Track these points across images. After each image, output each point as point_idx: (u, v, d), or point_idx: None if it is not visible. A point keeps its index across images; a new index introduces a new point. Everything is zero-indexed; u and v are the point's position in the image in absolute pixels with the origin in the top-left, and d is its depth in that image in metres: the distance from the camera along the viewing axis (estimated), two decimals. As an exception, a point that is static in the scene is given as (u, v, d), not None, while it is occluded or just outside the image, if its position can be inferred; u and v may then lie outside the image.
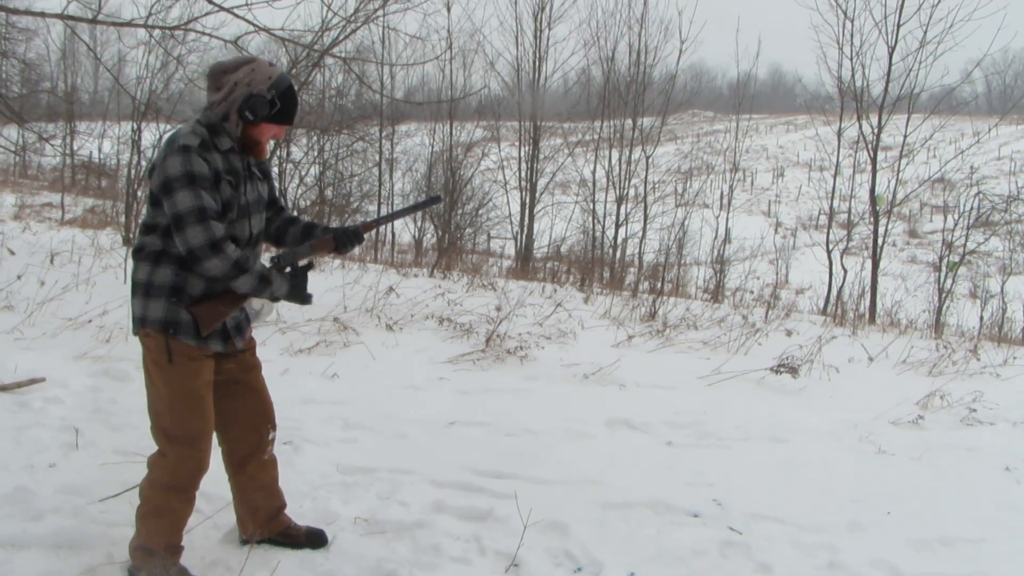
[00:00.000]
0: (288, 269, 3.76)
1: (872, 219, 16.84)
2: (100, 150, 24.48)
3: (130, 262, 9.20)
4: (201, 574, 3.72)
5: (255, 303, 3.86)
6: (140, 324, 3.60)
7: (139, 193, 12.81)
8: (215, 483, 4.24)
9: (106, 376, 6.50)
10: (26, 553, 3.77)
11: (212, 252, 3.41)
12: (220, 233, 3.44)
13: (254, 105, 3.55)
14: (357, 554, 4.02)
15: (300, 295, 3.75)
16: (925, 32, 16.02)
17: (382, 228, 19.87)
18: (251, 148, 3.69)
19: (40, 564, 3.69)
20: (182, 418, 3.62)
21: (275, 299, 3.71)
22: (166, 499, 3.66)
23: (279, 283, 3.64)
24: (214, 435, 3.78)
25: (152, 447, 3.72)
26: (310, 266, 3.81)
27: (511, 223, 20.85)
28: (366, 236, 4.09)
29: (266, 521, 4.04)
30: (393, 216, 4.27)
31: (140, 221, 3.75)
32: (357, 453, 5.38)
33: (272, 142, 3.92)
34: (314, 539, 4.10)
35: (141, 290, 3.58)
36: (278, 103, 3.60)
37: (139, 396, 5.92)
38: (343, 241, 3.87)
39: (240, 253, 3.51)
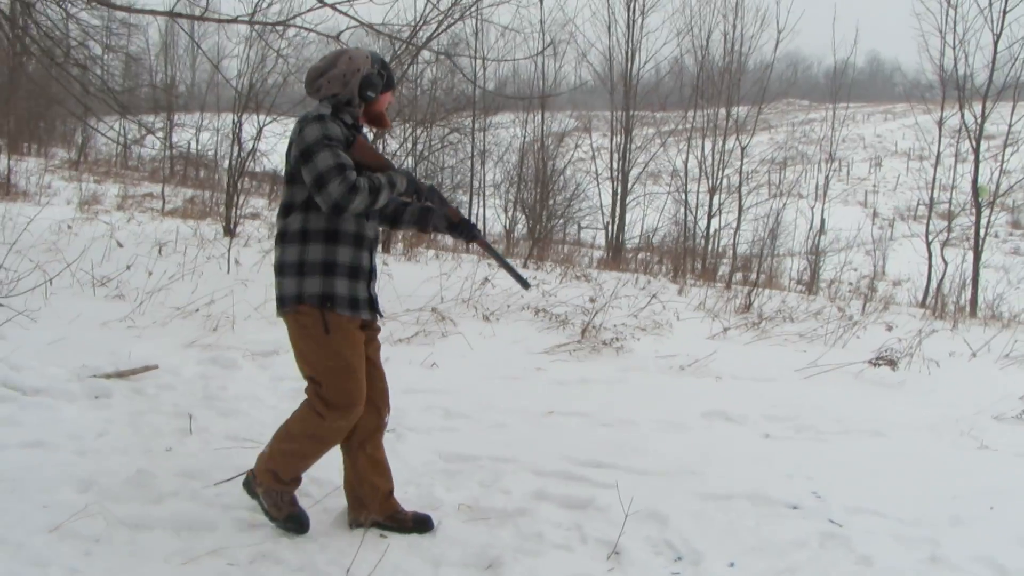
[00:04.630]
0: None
1: (974, 210, 16.49)
2: (198, 141, 25.06)
3: (234, 251, 9.62)
4: (313, 558, 3.88)
5: None
6: (296, 301, 3.87)
7: (239, 184, 13.16)
8: (324, 468, 4.44)
9: (215, 364, 6.74)
10: (150, 534, 3.94)
11: (353, 193, 3.69)
12: (355, 177, 3.72)
13: (370, 84, 3.96)
14: (462, 540, 4.13)
15: (415, 185, 4.07)
16: (1032, 18, 15.61)
17: (473, 220, 20.13)
18: (377, 121, 4.12)
19: (165, 545, 3.86)
20: (342, 386, 3.91)
21: (403, 195, 4.05)
22: (309, 446, 4.02)
23: (400, 180, 3.97)
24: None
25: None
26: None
27: (602, 213, 20.84)
28: (474, 244, 4.43)
29: (383, 500, 4.20)
30: (499, 259, 4.52)
31: (279, 204, 4.04)
32: (458, 441, 5.51)
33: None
34: (421, 524, 4.22)
35: (294, 270, 3.88)
36: (384, 73, 4.05)
37: (247, 383, 6.23)
38: (466, 225, 4.27)
39: (366, 180, 3.77)
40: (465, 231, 4.24)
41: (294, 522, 4.06)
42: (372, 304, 4.05)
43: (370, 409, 4.11)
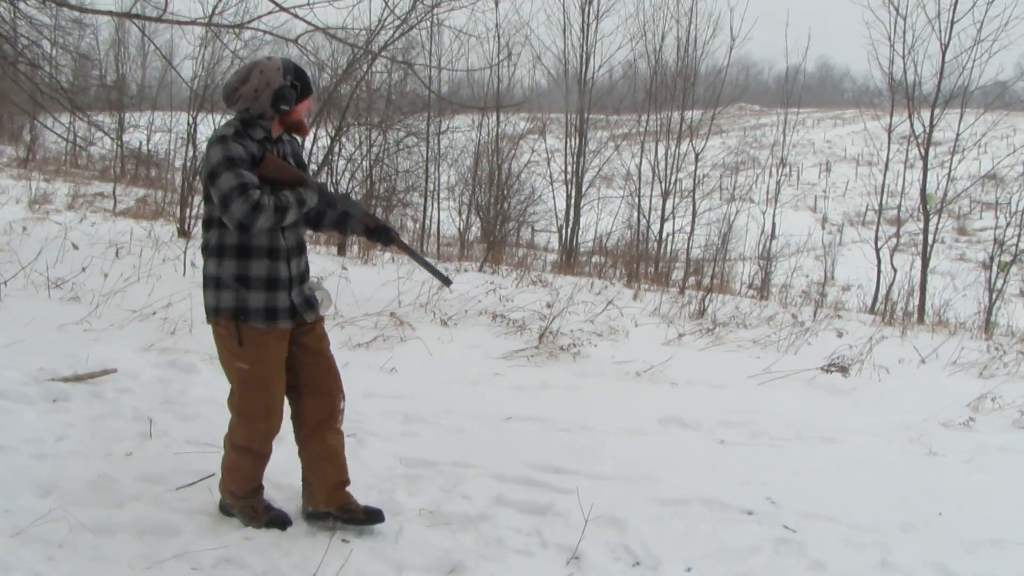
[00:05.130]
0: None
1: (922, 217, 16.80)
2: (149, 140, 24.83)
3: (189, 254, 9.59)
4: (277, 563, 3.91)
5: (317, 294, 4.28)
6: (214, 314, 4.03)
7: (194, 185, 13.09)
8: (285, 473, 4.49)
9: (173, 367, 6.73)
10: (113, 538, 3.97)
11: (256, 212, 3.79)
12: (259, 196, 3.80)
13: (283, 97, 3.97)
14: (424, 544, 4.19)
15: (327, 198, 4.17)
16: (979, 29, 15.96)
17: (429, 223, 20.18)
18: (296, 128, 4.17)
19: (129, 549, 3.89)
20: (251, 398, 4.07)
21: (316, 208, 4.21)
22: (241, 459, 4.18)
23: (310, 195, 4.05)
24: (285, 406, 4.22)
25: None
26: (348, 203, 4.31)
27: (556, 216, 20.94)
28: (391, 247, 4.59)
29: (332, 490, 4.30)
30: (413, 255, 4.65)
31: (202, 218, 4.16)
32: (419, 446, 5.56)
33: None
34: (372, 516, 4.32)
35: (212, 283, 4.02)
36: (298, 84, 4.05)
37: (206, 387, 6.22)
38: (382, 230, 4.31)
39: (271, 198, 3.87)
40: (381, 235, 4.32)
41: (275, 524, 4.19)
42: (295, 311, 4.11)
43: (320, 397, 4.26)
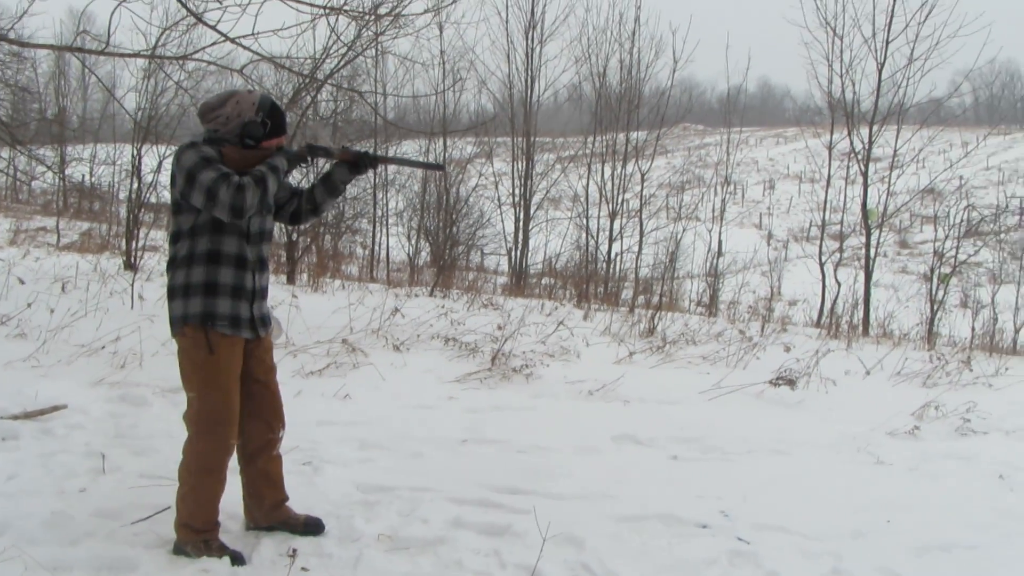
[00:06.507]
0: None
1: (864, 232, 17.11)
2: (92, 173, 24.56)
3: (137, 287, 9.52)
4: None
5: (271, 325, 4.36)
6: (182, 322, 4.08)
7: (140, 218, 13.00)
8: (239, 504, 4.49)
9: (124, 402, 6.68)
10: None
11: (242, 191, 3.89)
12: (239, 179, 3.90)
13: (250, 131, 4.09)
14: (384, 570, 4.19)
15: (294, 155, 4.31)
16: (913, 49, 16.39)
17: (378, 249, 20.15)
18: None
19: (85, 587, 3.88)
20: (212, 403, 4.11)
21: (289, 170, 4.30)
22: (199, 480, 4.15)
23: (279, 160, 4.13)
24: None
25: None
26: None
27: (505, 239, 21.02)
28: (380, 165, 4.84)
29: (270, 510, 4.47)
30: (401, 161, 5.07)
31: (168, 233, 4.30)
32: (375, 472, 5.57)
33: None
34: (311, 527, 4.48)
35: (180, 293, 4.08)
36: (269, 122, 4.12)
37: (158, 421, 6.19)
38: (363, 159, 4.40)
39: (247, 176, 3.95)
40: (364, 163, 4.41)
41: (234, 562, 4.14)
42: (254, 323, 4.22)
43: (259, 424, 4.37)
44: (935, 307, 15.72)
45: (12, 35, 9.64)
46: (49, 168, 14.26)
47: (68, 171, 24.16)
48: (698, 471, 6.06)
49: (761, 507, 5.29)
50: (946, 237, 17.32)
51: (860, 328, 15.30)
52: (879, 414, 7.64)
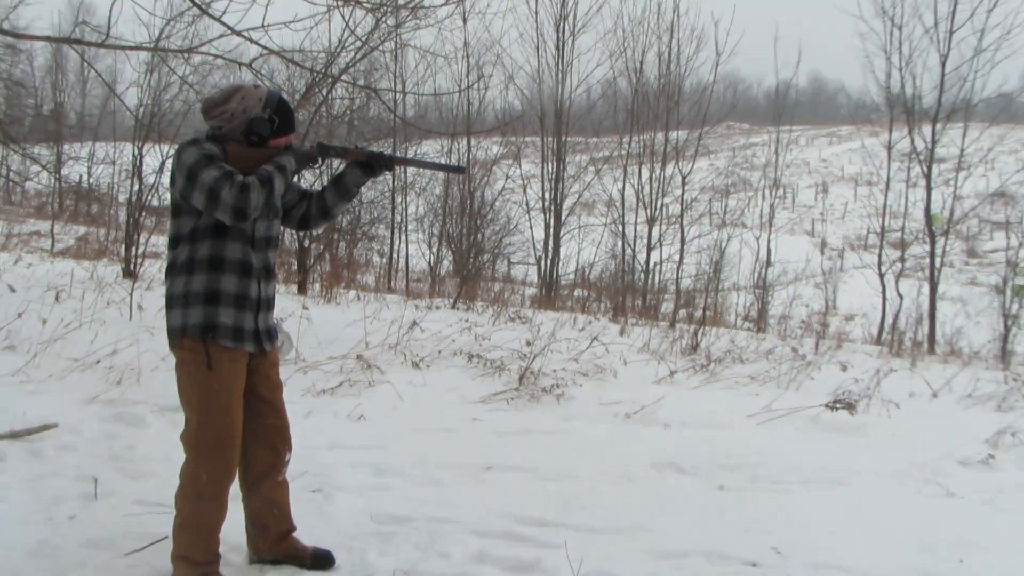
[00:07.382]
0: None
1: (928, 239, 16.93)
2: (90, 173, 24.74)
3: (136, 296, 9.52)
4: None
5: (279, 336, 4.33)
6: (180, 334, 4.03)
7: (141, 222, 13.04)
8: (240, 533, 4.43)
9: (119, 421, 6.65)
10: (56, 611, 3.93)
11: (246, 192, 3.86)
12: (242, 178, 3.88)
13: (256, 128, 4.08)
14: (400, 609, 4.15)
15: (303, 155, 4.30)
16: (980, 39, 16.22)
17: (396, 257, 20.13)
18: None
19: (73, 625, 3.83)
20: (212, 424, 4.06)
21: (298, 170, 4.29)
22: (199, 509, 4.10)
23: (287, 159, 4.13)
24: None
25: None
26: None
27: (534, 247, 20.97)
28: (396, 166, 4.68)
29: (276, 542, 4.40)
30: (418, 163, 5.15)
31: (167, 236, 4.21)
32: (391, 501, 5.51)
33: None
34: (320, 561, 4.42)
35: (179, 302, 4.04)
36: (276, 119, 4.14)
37: (156, 442, 6.15)
38: (378, 160, 4.37)
39: (252, 176, 3.94)
40: (379, 164, 4.39)
41: None
42: (258, 336, 4.17)
43: (264, 448, 4.31)
44: (1009, 322, 15.54)
45: (6, 25, 9.72)
46: (44, 168, 14.30)
47: (64, 171, 24.34)
48: (746, 503, 5.95)
49: (817, 544, 5.18)
50: (1020, 245, 17.11)
51: (925, 345, 15.15)
52: (948, 441, 7.50)
